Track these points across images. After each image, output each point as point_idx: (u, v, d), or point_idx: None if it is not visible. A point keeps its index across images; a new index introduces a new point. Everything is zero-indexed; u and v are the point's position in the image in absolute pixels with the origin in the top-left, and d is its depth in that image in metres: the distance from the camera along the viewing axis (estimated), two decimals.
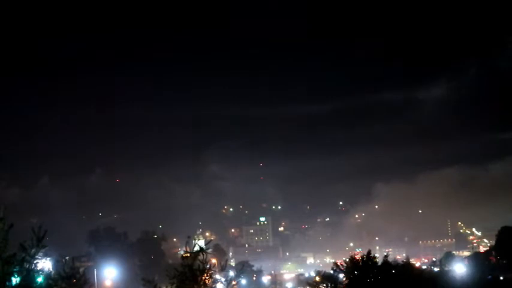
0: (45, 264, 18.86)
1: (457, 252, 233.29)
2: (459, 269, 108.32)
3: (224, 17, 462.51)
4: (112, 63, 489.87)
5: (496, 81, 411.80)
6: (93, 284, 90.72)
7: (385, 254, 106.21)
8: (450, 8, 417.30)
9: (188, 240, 23.31)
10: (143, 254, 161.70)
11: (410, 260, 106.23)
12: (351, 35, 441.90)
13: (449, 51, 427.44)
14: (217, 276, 24.11)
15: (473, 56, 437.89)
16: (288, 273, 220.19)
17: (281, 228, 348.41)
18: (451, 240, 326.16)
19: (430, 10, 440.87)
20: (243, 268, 54.35)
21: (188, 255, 22.34)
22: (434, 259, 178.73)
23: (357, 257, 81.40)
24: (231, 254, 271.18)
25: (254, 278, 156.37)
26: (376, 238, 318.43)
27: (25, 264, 16.33)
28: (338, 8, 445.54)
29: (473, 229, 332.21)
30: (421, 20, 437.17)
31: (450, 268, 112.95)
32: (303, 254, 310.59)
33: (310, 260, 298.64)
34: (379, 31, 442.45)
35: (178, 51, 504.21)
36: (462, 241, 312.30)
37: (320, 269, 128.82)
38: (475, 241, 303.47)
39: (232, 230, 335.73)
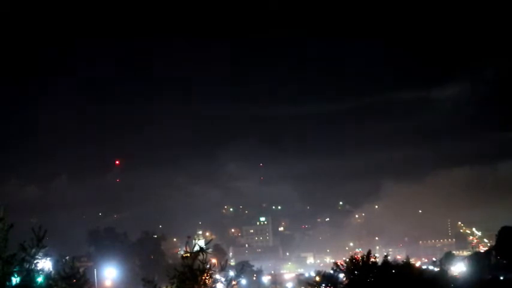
0: (45, 264, 18.84)
1: (457, 252, 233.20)
2: (459, 269, 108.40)
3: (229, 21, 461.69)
4: (119, 62, 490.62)
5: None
6: (93, 284, 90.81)
7: (385, 254, 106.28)
8: (465, 8, 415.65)
9: (188, 240, 23.32)
10: (143, 254, 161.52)
11: (410, 260, 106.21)
12: (362, 33, 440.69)
13: (461, 52, 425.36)
14: (217, 276, 24.13)
15: (485, 56, 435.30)
16: (288, 273, 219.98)
17: (281, 228, 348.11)
18: (451, 240, 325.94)
19: (446, 10, 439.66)
20: (243, 268, 54.25)
21: (188, 255, 22.34)
22: (434, 259, 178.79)
23: (357, 257, 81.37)
24: (231, 254, 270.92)
25: (254, 278, 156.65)
26: (376, 238, 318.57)
27: (25, 264, 16.33)
28: (350, 5, 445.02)
29: (473, 229, 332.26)
30: (436, 20, 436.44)
31: (450, 268, 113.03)
32: (303, 254, 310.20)
33: (310, 260, 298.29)
34: (392, 30, 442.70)
35: (194, 52, 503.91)
36: (462, 241, 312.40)
37: (320, 269, 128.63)
38: (475, 241, 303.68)
39: (232, 230, 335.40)
